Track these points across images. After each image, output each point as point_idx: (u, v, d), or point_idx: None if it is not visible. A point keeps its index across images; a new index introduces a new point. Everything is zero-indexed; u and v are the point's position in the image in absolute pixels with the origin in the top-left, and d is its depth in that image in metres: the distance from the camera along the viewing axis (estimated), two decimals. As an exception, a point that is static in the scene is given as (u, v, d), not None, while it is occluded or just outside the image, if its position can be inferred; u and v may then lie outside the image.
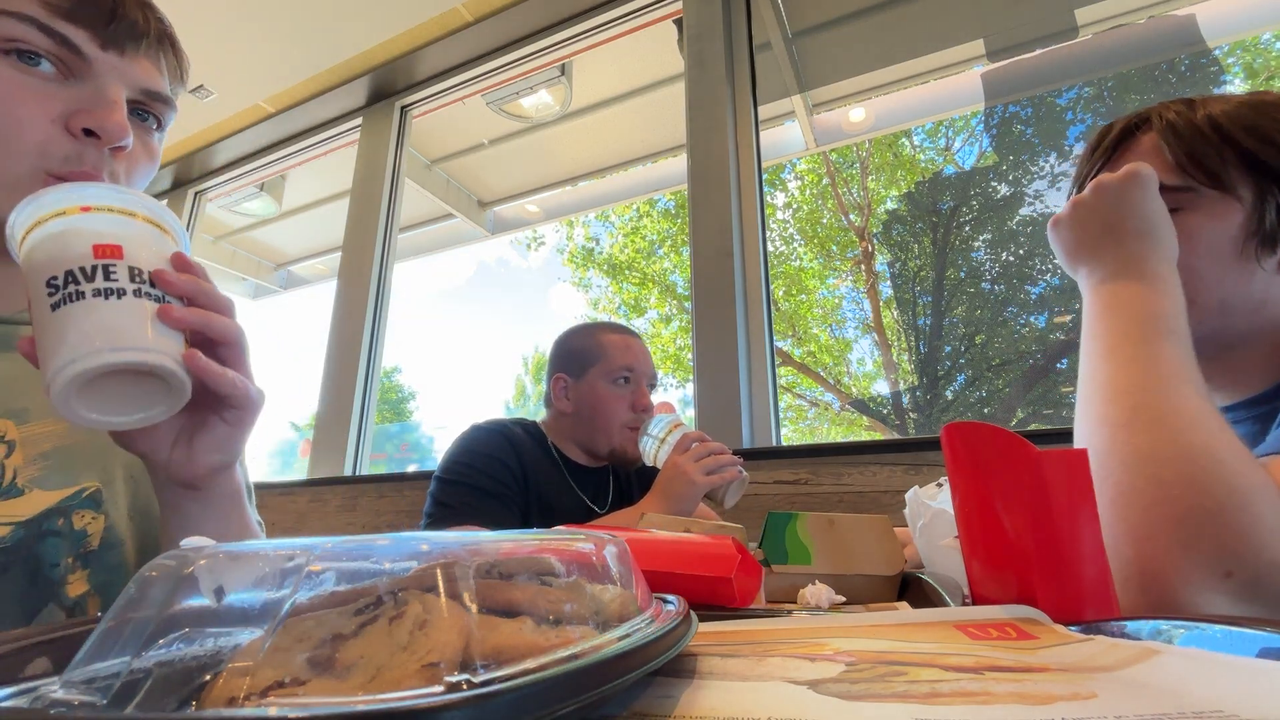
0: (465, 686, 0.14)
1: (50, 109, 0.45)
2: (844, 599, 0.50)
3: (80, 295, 0.35)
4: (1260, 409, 0.51)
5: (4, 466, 0.47)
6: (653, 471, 1.05)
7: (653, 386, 1.15)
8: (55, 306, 0.35)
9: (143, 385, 0.37)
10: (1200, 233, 0.49)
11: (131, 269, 0.37)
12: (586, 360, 1.12)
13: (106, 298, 0.35)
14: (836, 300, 7.29)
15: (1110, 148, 0.57)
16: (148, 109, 0.52)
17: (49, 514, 0.48)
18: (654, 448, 1.02)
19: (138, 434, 0.42)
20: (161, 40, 0.51)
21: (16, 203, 0.39)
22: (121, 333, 0.35)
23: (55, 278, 0.35)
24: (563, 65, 2.32)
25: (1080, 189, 0.56)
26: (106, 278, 0.36)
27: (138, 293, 0.36)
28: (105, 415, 0.37)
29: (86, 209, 0.37)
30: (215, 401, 0.41)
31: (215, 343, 0.40)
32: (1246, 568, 0.33)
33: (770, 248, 2.21)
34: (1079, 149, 0.62)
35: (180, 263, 0.40)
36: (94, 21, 0.46)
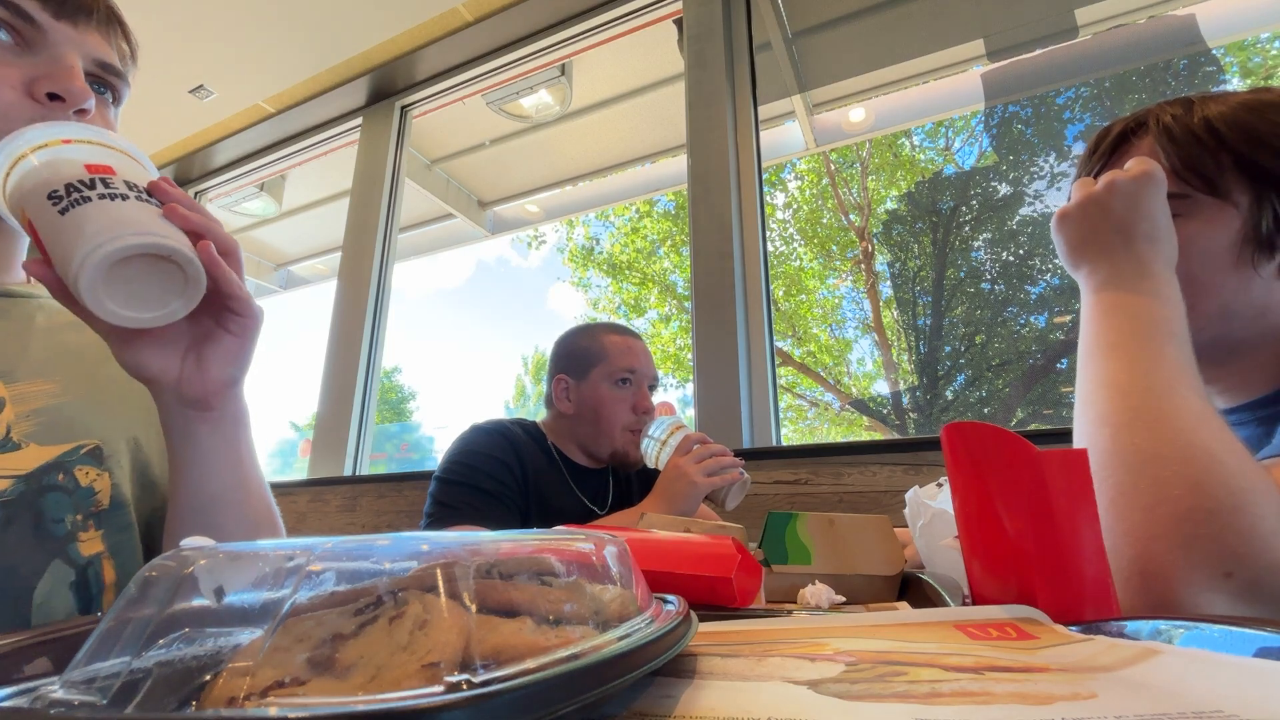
0: (465, 686, 0.14)
1: (10, 76, 0.46)
2: (844, 599, 0.50)
3: (86, 200, 0.36)
4: (1264, 411, 0.51)
5: None
6: (653, 473, 1.05)
7: (654, 388, 1.15)
8: (64, 211, 0.36)
9: (160, 280, 0.38)
10: (1197, 240, 0.49)
11: (127, 182, 0.38)
12: (588, 361, 1.11)
13: (113, 199, 0.37)
14: (836, 300, 7.29)
15: (1108, 151, 0.57)
16: (103, 81, 0.52)
17: (48, 468, 0.49)
18: (655, 449, 1.02)
19: (150, 352, 0.43)
20: (110, 18, 0.52)
21: None
22: (138, 221, 0.37)
23: (56, 190, 0.36)
24: (563, 65, 2.32)
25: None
26: (106, 186, 0.37)
27: (141, 199, 0.38)
28: (130, 310, 0.38)
29: (67, 141, 0.39)
30: (221, 311, 0.43)
31: (214, 244, 0.41)
32: (1246, 569, 0.33)
33: (770, 248, 2.21)
34: (1079, 149, 0.62)
35: (166, 185, 0.41)
36: None
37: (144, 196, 0.39)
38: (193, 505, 0.48)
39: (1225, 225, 0.49)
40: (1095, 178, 0.51)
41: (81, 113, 0.48)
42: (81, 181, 0.37)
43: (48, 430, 0.50)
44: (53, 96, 0.47)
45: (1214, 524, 0.34)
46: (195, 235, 0.41)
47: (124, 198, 0.37)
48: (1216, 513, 0.34)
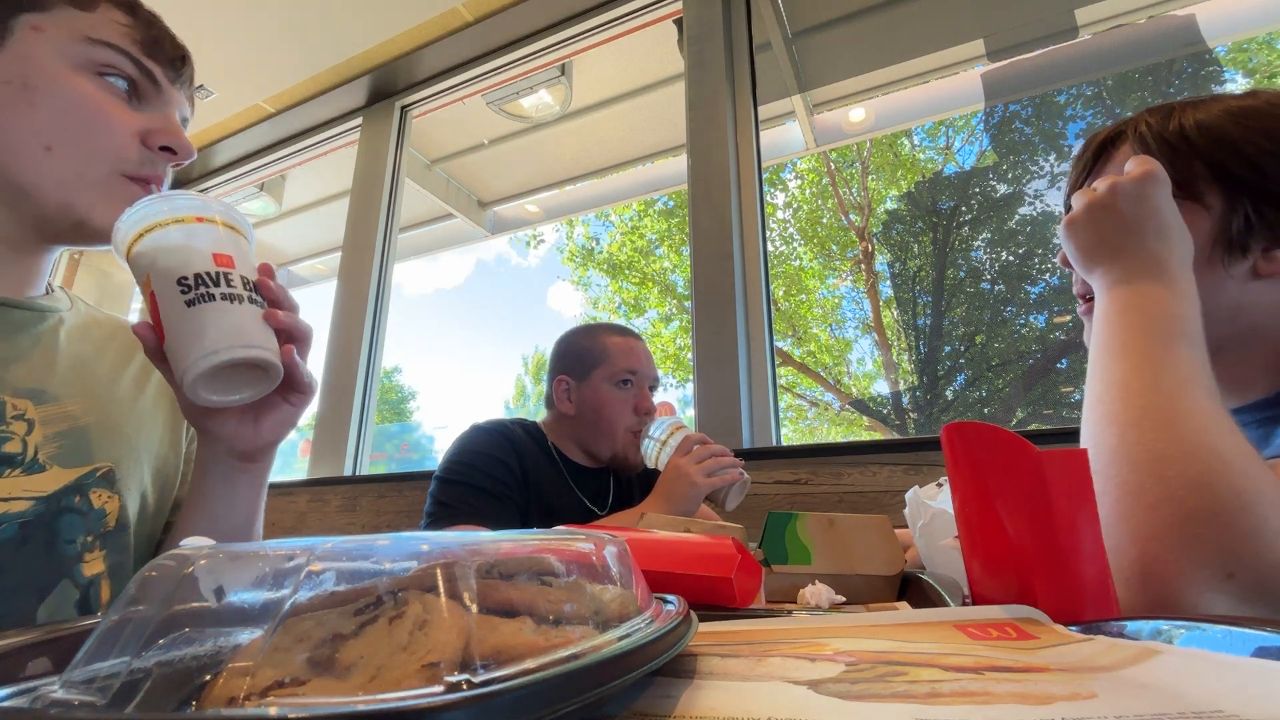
0: (465, 686, 0.14)
1: (130, 123, 0.54)
2: (844, 599, 0.50)
3: (211, 297, 0.43)
4: (1263, 414, 0.51)
5: (26, 443, 0.50)
6: (654, 473, 1.05)
7: (654, 389, 1.15)
8: (190, 304, 0.43)
9: (246, 373, 0.46)
10: None
11: (242, 278, 0.46)
12: (589, 362, 1.11)
13: (232, 301, 0.44)
14: (836, 300, 7.30)
15: (1089, 162, 0.58)
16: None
17: (67, 490, 0.52)
18: (655, 450, 1.02)
19: (219, 415, 0.50)
20: (192, 81, 0.61)
21: (93, 199, 0.52)
22: (246, 332, 0.44)
23: (186, 278, 0.43)
24: (563, 65, 2.32)
25: (1070, 200, 0.56)
26: (228, 284, 0.44)
27: (250, 299, 0.46)
28: (216, 395, 0.46)
29: (201, 219, 0.45)
30: (286, 386, 0.50)
31: (295, 338, 0.49)
32: (1249, 570, 0.33)
33: (770, 248, 2.21)
34: (1079, 148, 0.62)
35: (266, 271, 0.49)
36: (169, 62, 0.57)
37: (254, 296, 0.46)
38: (207, 534, 0.52)
39: (1197, 227, 0.49)
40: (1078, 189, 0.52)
41: (178, 164, 0.57)
42: (209, 275, 0.44)
43: (68, 452, 0.52)
44: (163, 149, 0.55)
45: (1217, 524, 0.34)
46: (284, 334, 0.48)
47: (239, 299, 0.45)
48: (1220, 513, 0.34)
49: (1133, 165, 0.48)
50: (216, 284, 0.44)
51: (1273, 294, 0.49)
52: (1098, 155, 0.57)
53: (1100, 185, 0.49)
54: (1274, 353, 0.51)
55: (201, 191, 3.09)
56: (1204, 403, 0.38)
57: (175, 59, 0.57)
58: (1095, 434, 0.42)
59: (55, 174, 0.51)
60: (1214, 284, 0.49)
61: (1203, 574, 0.34)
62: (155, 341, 0.45)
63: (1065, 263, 0.54)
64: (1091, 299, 0.52)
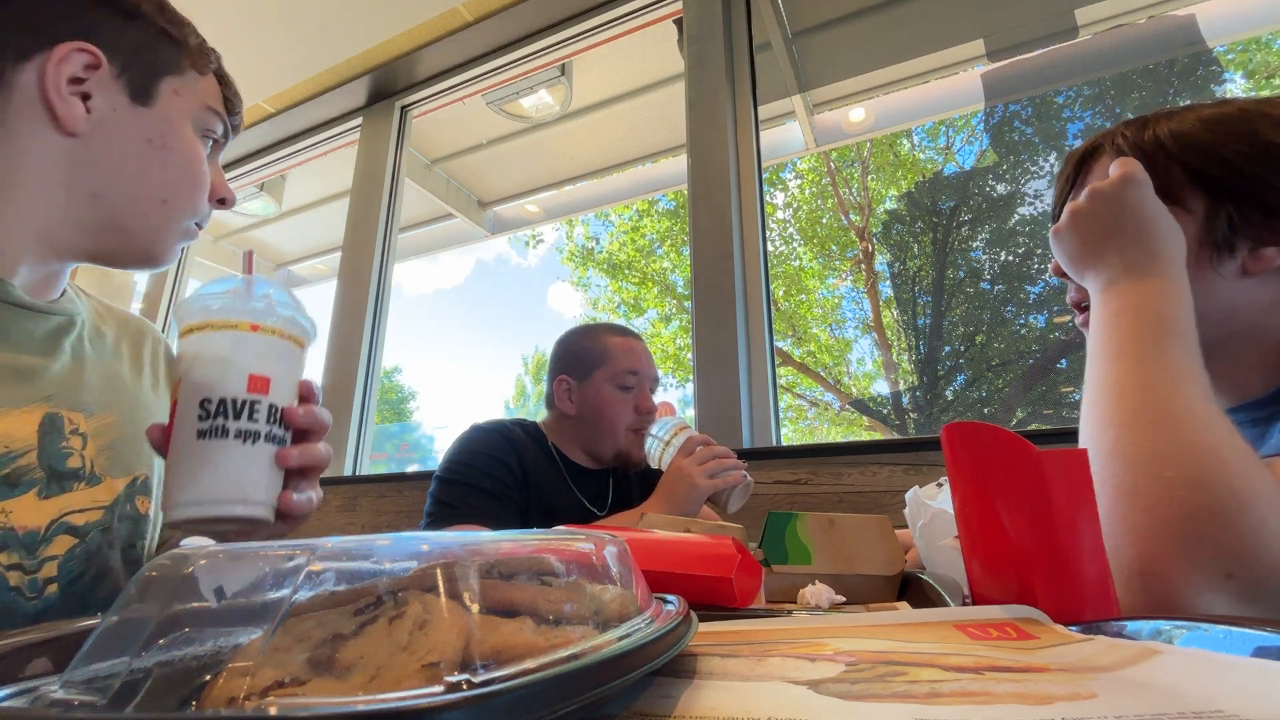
0: (465, 686, 0.14)
1: (209, 179, 0.59)
2: (844, 599, 0.50)
3: (224, 433, 0.41)
4: (1259, 412, 0.51)
5: (84, 457, 0.52)
6: (653, 474, 1.05)
7: (655, 388, 1.15)
8: (201, 435, 0.41)
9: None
10: None
11: (271, 407, 0.43)
12: (591, 363, 1.11)
13: (245, 441, 0.41)
14: (836, 300, 7.29)
15: (1072, 175, 0.59)
16: None
17: (122, 499, 0.54)
18: (659, 450, 1.02)
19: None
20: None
21: (171, 244, 0.56)
22: (244, 484, 0.42)
23: (209, 401, 0.41)
24: (563, 65, 2.32)
25: (1058, 214, 0.58)
26: (251, 417, 0.42)
27: (269, 436, 0.43)
28: (202, 526, 0.42)
29: (256, 328, 0.43)
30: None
31: (307, 470, 0.47)
32: (1247, 570, 0.33)
33: (770, 248, 2.21)
34: (1062, 163, 0.64)
35: (307, 391, 0.47)
36: (238, 125, 0.62)
37: (276, 431, 0.43)
38: None
39: (1182, 231, 0.50)
40: (1068, 206, 0.53)
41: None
42: (234, 404, 0.41)
43: (115, 463, 0.54)
44: (220, 202, 0.60)
45: (1216, 524, 0.34)
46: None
47: (254, 438, 0.42)
48: (1219, 513, 0.34)
49: (1113, 168, 0.49)
50: (238, 416, 0.41)
51: (1264, 292, 0.50)
52: (1079, 168, 0.59)
53: (1084, 192, 0.50)
54: (1269, 351, 0.51)
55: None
56: (1199, 402, 0.39)
57: (238, 115, 0.62)
58: (1092, 435, 0.42)
59: (159, 222, 0.55)
60: (1206, 284, 0.50)
61: (1202, 574, 0.34)
62: (163, 449, 0.43)
63: (1059, 272, 0.55)
64: (1086, 308, 0.54)
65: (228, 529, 0.44)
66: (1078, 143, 0.62)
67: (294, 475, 0.46)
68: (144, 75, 0.53)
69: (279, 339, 0.44)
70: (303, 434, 0.46)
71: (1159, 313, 0.43)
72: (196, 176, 0.57)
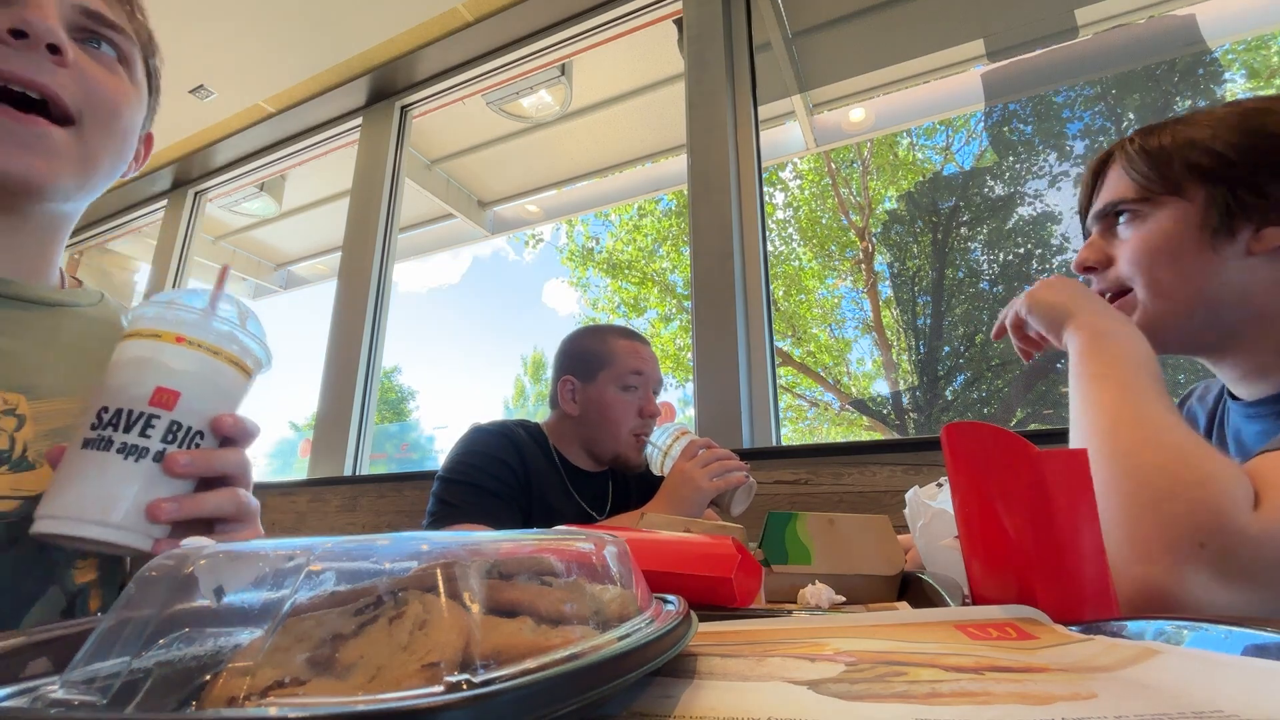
0: (465, 686, 0.14)
1: None
2: (844, 599, 0.50)
3: (107, 444, 0.37)
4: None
5: (14, 439, 0.47)
6: (653, 477, 1.05)
7: (658, 392, 1.16)
8: (86, 444, 0.37)
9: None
10: (1160, 230, 0.58)
11: (173, 424, 0.39)
12: (596, 364, 1.11)
13: (127, 457, 0.37)
14: (836, 300, 7.29)
15: (1090, 182, 0.67)
16: (95, 34, 0.51)
17: None
18: (659, 458, 1.03)
19: None
20: None
21: None
22: (113, 505, 0.37)
23: (105, 409, 0.38)
24: (563, 65, 2.32)
25: (1084, 219, 0.67)
26: (142, 432, 0.38)
27: (157, 455, 0.38)
28: (64, 544, 0.38)
29: (180, 340, 0.39)
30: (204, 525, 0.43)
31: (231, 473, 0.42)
32: (1217, 537, 0.37)
33: (770, 248, 2.21)
34: (1079, 148, 0.68)
35: (230, 428, 0.42)
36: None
37: (163, 450, 0.39)
38: None
39: (1183, 217, 0.57)
40: (1090, 211, 0.65)
41: (59, 57, 0.47)
42: (129, 415, 0.38)
43: None
44: (17, 34, 0.45)
45: (1185, 500, 0.38)
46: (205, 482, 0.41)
47: (141, 455, 0.38)
48: (1188, 485, 0.39)
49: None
50: (129, 429, 0.37)
51: (1271, 271, 0.54)
52: (1096, 175, 0.66)
53: (1015, 302, 0.63)
54: None
55: (201, 192, 3.09)
56: (1165, 412, 0.45)
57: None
58: (1079, 444, 0.47)
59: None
60: (1212, 265, 0.55)
61: (1179, 549, 0.37)
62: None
63: (1042, 340, 0.63)
64: (1091, 268, 0.64)
65: (94, 550, 0.39)
66: (1078, 143, 0.65)
67: (231, 521, 0.42)
68: None
69: (209, 356, 0.40)
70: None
71: (1128, 350, 0.51)
72: None
